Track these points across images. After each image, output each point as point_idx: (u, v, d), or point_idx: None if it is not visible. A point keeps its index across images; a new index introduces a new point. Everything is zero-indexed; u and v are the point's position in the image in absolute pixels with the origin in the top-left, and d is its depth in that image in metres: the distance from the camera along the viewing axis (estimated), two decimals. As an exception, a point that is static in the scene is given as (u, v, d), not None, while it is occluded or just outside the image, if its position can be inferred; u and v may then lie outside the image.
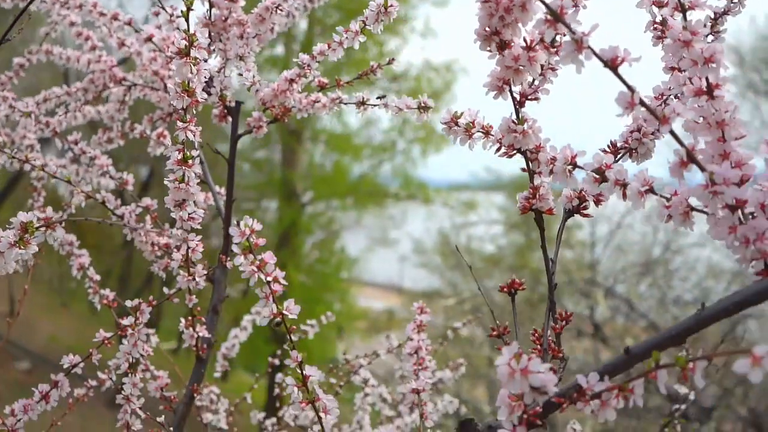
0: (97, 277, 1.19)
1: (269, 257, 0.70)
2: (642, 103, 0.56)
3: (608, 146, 0.77)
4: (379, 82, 10.59)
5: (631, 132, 0.76)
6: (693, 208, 0.61)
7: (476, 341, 7.66)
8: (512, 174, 11.33)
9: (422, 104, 0.96)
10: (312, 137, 12.14)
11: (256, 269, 0.69)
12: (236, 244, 0.68)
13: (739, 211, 0.59)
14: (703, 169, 0.57)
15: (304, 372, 0.73)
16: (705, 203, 0.58)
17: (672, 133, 0.57)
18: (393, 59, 1.12)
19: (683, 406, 1.23)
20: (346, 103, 1.07)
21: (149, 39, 1.15)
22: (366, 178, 11.94)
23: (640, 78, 0.67)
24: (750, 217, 0.59)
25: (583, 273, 6.90)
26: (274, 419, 1.49)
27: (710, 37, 0.80)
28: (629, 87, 0.56)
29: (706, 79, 0.60)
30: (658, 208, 0.64)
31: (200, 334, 1.06)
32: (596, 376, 0.57)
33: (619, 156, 0.77)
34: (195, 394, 1.09)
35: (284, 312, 0.71)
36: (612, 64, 0.56)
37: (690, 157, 0.58)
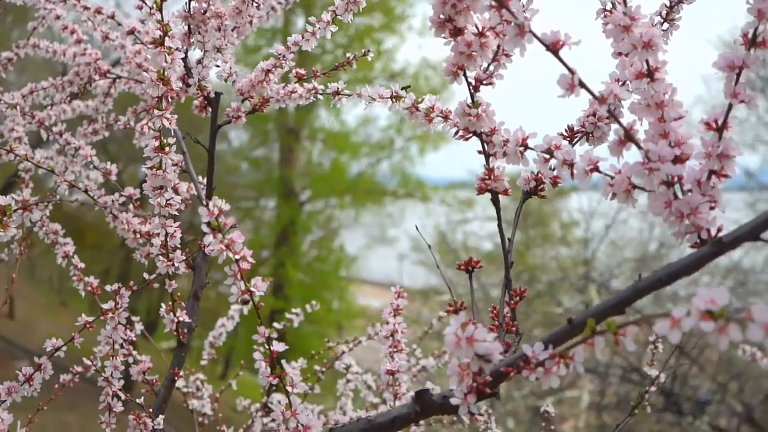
0: (82, 265, 1.21)
1: (237, 236, 0.73)
2: (581, 84, 0.59)
3: (565, 130, 0.80)
4: (376, 81, 10.62)
5: (587, 116, 0.79)
6: (635, 186, 0.64)
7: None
8: (510, 172, 11.34)
9: (394, 94, 0.98)
10: (310, 136, 12.18)
11: (224, 247, 0.72)
12: (205, 223, 0.71)
13: (678, 187, 0.62)
14: (640, 147, 0.60)
15: (271, 348, 0.76)
16: (643, 180, 0.61)
17: (610, 113, 0.60)
18: (368, 50, 1.15)
19: (652, 389, 1.26)
20: (321, 94, 1.10)
21: (131, 32, 1.18)
22: (364, 176, 11.98)
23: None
24: (689, 193, 0.62)
25: (578, 269, 6.93)
26: (258, 404, 1.52)
27: (665, 25, 0.84)
28: (570, 69, 0.59)
29: (646, 62, 0.63)
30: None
31: (180, 319, 1.09)
32: (541, 345, 0.60)
33: (575, 140, 0.79)
34: (176, 378, 1.12)
35: (252, 289, 0.74)
36: (553, 47, 0.59)
37: (628, 136, 0.61)
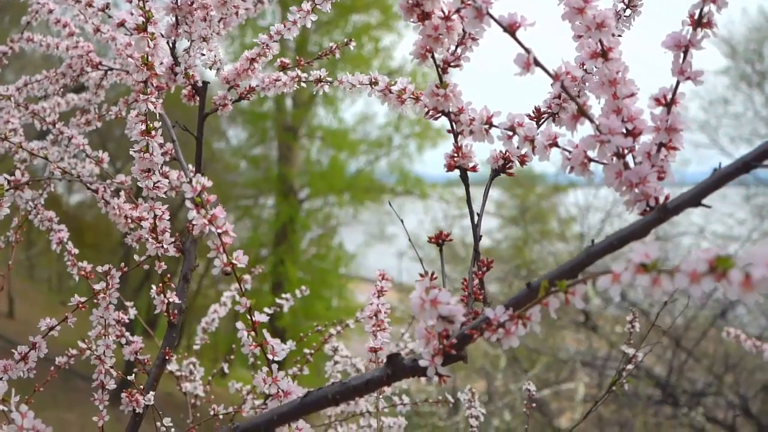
0: (76, 251, 1.25)
1: (219, 212, 0.77)
2: (536, 63, 0.63)
3: (532, 111, 0.84)
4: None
5: (553, 98, 0.83)
6: (591, 159, 0.68)
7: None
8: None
9: (373, 80, 1.02)
10: (308, 134, 12.23)
11: (207, 222, 0.76)
12: (188, 199, 0.75)
13: (631, 159, 0.66)
14: (592, 121, 0.64)
15: (253, 318, 0.80)
16: (596, 152, 0.65)
17: (564, 89, 0.64)
18: (351, 40, 1.18)
19: (630, 366, 1.30)
20: (305, 81, 1.14)
21: (121, 24, 1.21)
22: (362, 173, 12.02)
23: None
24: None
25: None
26: (249, 387, 1.56)
27: (628, 11, 0.87)
28: (526, 49, 0.63)
29: (600, 42, 0.67)
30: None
31: (171, 300, 1.13)
32: (502, 308, 0.64)
33: (542, 120, 0.83)
34: (167, 357, 1.16)
35: (234, 261, 0.78)
36: (511, 29, 0.63)
37: (581, 111, 0.64)
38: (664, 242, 7.16)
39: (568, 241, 9.49)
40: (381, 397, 1.45)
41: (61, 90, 1.41)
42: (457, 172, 0.84)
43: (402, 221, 0.94)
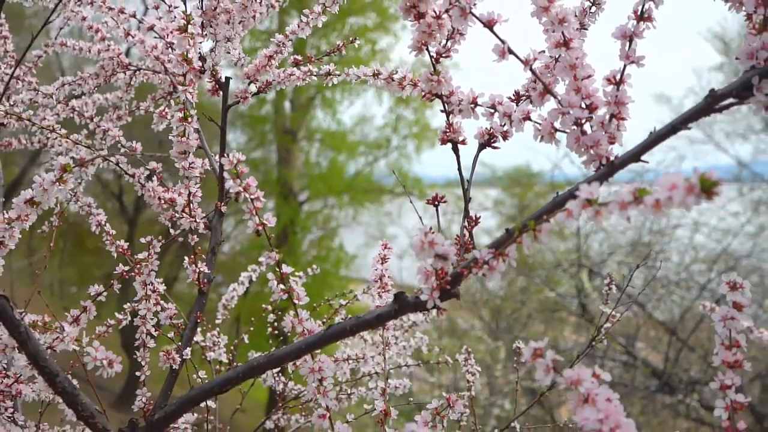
0: (113, 232, 1.41)
1: (252, 181, 0.92)
2: (510, 51, 0.79)
3: (513, 95, 0.99)
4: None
5: (530, 83, 0.98)
6: (556, 129, 0.83)
7: (475, 333, 7.92)
8: (507, 168, 11.57)
9: (375, 72, 1.18)
10: (307, 136, 12.38)
11: (242, 189, 0.91)
12: (226, 170, 0.91)
13: (589, 128, 0.82)
14: (555, 97, 0.80)
15: (282, 270, 0.95)
16: (560, 122, 0.81)
17: (533, 72, 0.80)
18: (355, 38, 1.34)
19: (607, 325, 1.45)
20: (316, 75, 1.30)
21: (151, 28, 1.37)
22: (361, 175, 12.17)
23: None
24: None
25: (571, 255, 7.13)
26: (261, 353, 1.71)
27: (593, 8, 1.03)
28: (501, 40, 0.79)
29: (563, 34, 0.82)
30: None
31: (201, 270, 1.28)
32: (486, 249, 0.80)
33: (520, 101, 0.99)
34: (198, 321, 1.31)
35: (264, 222, 0.93)
36: (489, 24, 0.79)
37: (546, 90, 0.80)
38: (660, 236, 7.32)
39: (566, 238, 9.65)
40: (387, 362, 1.61)
41: (95, 89, 1.57)
42: (455, 173, 1.00)
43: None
